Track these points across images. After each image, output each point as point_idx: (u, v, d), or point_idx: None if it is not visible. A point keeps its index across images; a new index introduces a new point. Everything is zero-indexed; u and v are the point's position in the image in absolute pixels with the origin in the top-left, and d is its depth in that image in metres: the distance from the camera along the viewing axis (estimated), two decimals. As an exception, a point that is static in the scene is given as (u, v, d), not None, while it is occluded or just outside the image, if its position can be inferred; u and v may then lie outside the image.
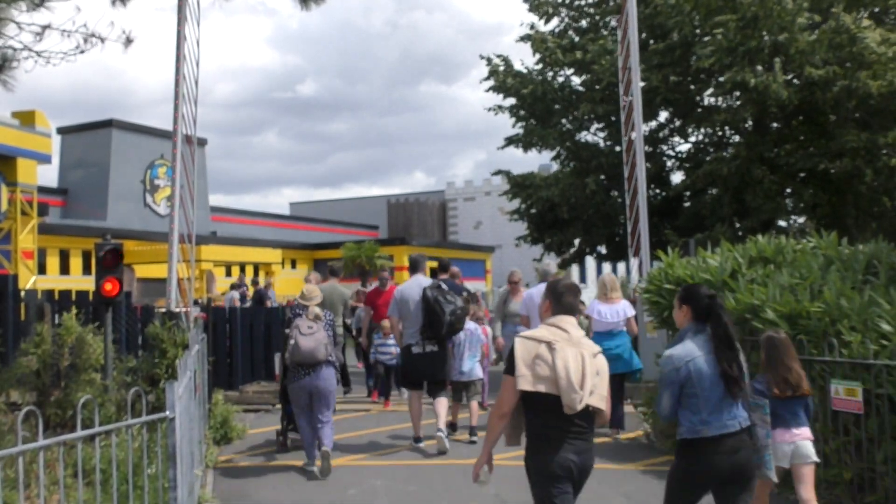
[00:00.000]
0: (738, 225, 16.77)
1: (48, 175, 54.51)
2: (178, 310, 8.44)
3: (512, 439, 4.05)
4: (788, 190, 17.19)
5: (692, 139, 19.58)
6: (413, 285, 8.30)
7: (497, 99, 20.87)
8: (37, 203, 23.16)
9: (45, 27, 7.03)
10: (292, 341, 7.20)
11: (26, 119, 22.63)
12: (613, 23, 17.91)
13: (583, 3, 19.70)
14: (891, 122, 15.11)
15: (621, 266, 27.32)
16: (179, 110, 8.46)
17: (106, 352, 7.87)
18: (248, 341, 11.27)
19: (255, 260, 34.37)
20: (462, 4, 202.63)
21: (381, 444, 8.34)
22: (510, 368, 3.88)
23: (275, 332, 11.29)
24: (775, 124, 17.44)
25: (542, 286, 9.67)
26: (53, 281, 25.69)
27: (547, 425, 3.83)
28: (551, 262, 10.83)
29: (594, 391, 3.85)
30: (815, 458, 5.00)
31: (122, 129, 35.15)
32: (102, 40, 7.25)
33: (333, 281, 11.02)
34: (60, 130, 35.46)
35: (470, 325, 8.67)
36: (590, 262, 25.67)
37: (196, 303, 9.87)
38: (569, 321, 4.01)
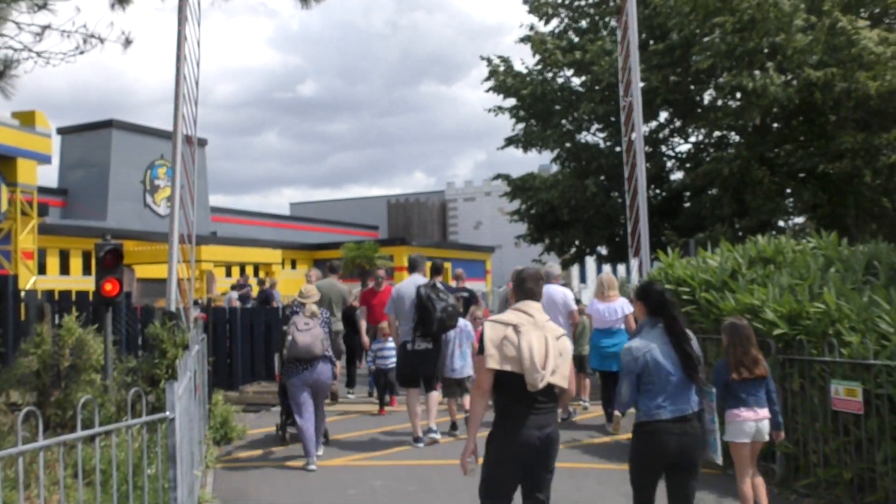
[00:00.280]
0: (737, 225, 16.76)
1: (48, 175, 54.49)
2: (183, 306, 8.42)
3: (477, 419, 4.28)
4: (788, 190, 17.19)
5: (692, 139, 19.58)
6: (409, 284, 8.46)
7: (497, 99, 20.86)
8: (37, 203, 23.18)
9: (44, 28, 7.03)
10: (290, 338, 7.50)
11: (26, 119, 22.65)
12: (613, 23, 17.92)
13: (583, 3, 19.70)
14: (890, 122, 15.11)
15: (621, 267, 27.32)
16: (179, 110, 8.46)
17: (106, 352, 7.87)
18: (248, 341, 11.26)
19: (255, 260, 34.38)
20: (462, 5, 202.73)
21: (381, 444, 8.34)
22: (481, 349, 4.17)
23: (275, 332, 11.27)
24: (776, 125, 17.45)
25: (546, 288, 9.68)
26: (53, 281, 25.70)
27: (512, 402, 4.11)
28: (555, 265, 10.61)
29: (556, 371, 4.11)
30: (767, 438, 5.39)
31: (122, 129, 35.16)
32: (102, 41, 7.25)
33: (332, 278, 10.99)
34: (60, 131, 35.48)
35: (461, 322, 8.69)
36: (590, 262, 25.67)
37: (196, 303, 9.86)
38: (534, 306, 4.28)
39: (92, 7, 7.51)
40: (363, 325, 10.89)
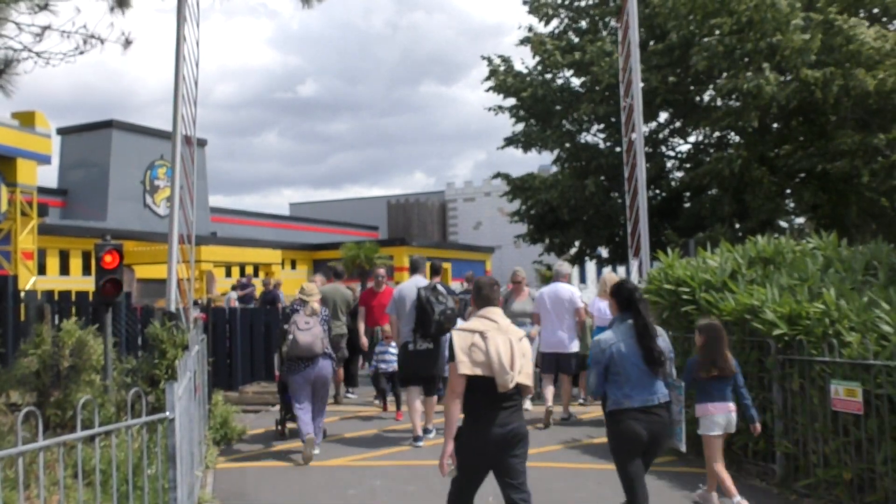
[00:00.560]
0: (737, 225, 16.78)
1: (48, 176, 54.49)
2: (183, 307, 8.42)
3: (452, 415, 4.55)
4: (788, 191, 17.20)
5: (692, 139, 19.59)
6: (411, 285, 8.58)
7: (497, 99, 20.91)
8: (37, 204, 23.18)
9: (44, 28, 7.03)
10: (290, 336, 7.71)
11: (26, 120, 22.65)
12: (613, 23, 17.93)
13: (583, 3, 19.70)
14: (889, 121, 15.12)
15: (622, 268, 27.34)
16: (179, 111, 8.45)
17: (106, 352, 7.87)
18: (247, 342, 11.27)
19: (255, 260, 34.37)
20: (462, 5, 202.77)
21: (381, 444, 8.34)
22: (452, 356, 4.40)
23: (274, 332, 11.27)
24: (775, 125, 17.45)
25: (554, 286, 9.72)
26: (53, 281, 25.71)
27: (482, 402, 4.37)
28: (564, 263, 10.59)
29: (522, 370, 4.40)
30: (734, 429, 5.80)
31: (122, 129, 35.17)
32: (102, 41, 7.25)
33: (337, 283, 11.10)
34: (60, 131, 35.49)
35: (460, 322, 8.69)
36: (590, 263, 25.68)
37: (196, 303, 9.85)
38: (495, 311, 4.56)
39: (92, 7, 7.53)
40: (361, 326, 10.68)
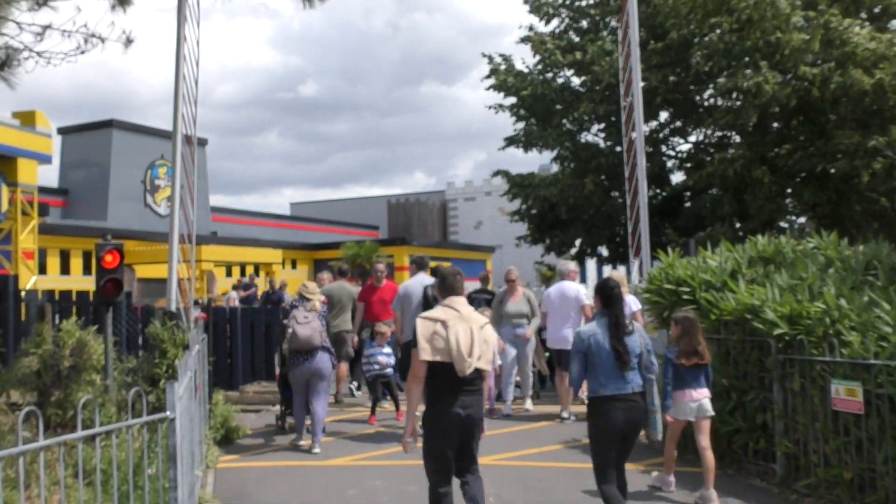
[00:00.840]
0: (738, 225, 16.77)
1: (49, 175, 54.47)
2: (184, 306, 8.42)
3: (415, 400, 4.87)
4: (789, 190, 17.19)
5: (692, 139, 19.59)
6: (416, 284, 8.69)
7: (498, 97, 20.92)
8: (37, 203, 23.15)
9: (45, 27, 7.03)
10: (290, 330, 7.98)
11: (27, 119, 22.63)
12: (614, 23, 17.92)
13: (583, 3, 19.70)
14: (887, 121, 15.11)
15: (622, 267, 27.31)
16: (179, 110, 8.45)
17: (106, 352, 7.87)
18: (248, 341, 11.26)
19: (256, 260, 34.34)
20: (463, 6, 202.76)
21: (381, 444, 8.34)
22: (414, 343, 4.70)
23: (275, 331, 11.27)
24: (775, 124, 17.44)
25: (560, 285, 9.70)
26: (54, 281, 25.69)
27: (443, 386, 4.67)
28: (569, 262, 10.51)
29: (481, 357, 4.68)
30: (712, 413, 6.18)
31: (123, 129, 35.14)
32: (103, 41, 7.24)
33: (342, 281, 11.29)
34: (61, 131, 35.45)
35: None
36: (590, 263, 25.68)
37: (196, 303, 9.85)
38: (459, 301, 4.83)
39: (93, 7, 7.52)
40: (358, 321, 10.57)
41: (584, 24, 19.75)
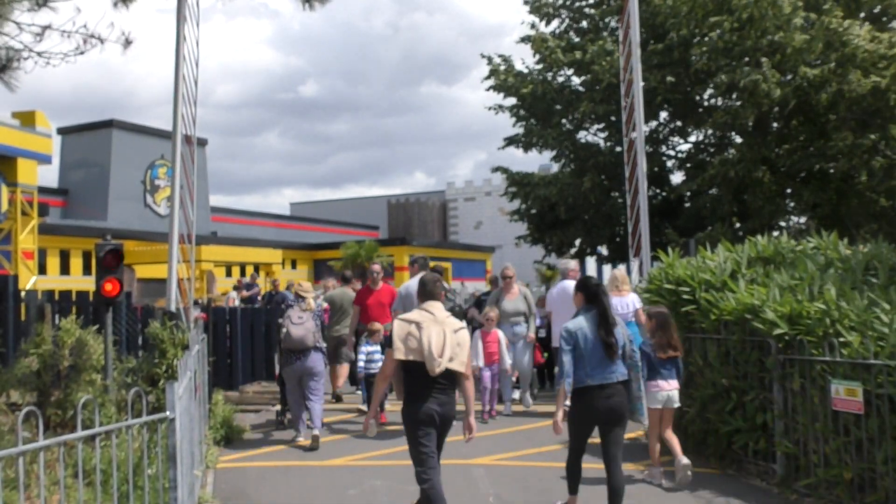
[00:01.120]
0: (738, 225, 16.77)
1: (48, 175, 54.42)
2: (184, 306, 8.42)
3: (399, 393, 5.19)
4: (788, 190, 17.19)
5: (692, 139, 19.58)
6: (417, 283, 8.45)
7: (498, 98, 20.94)
8: (37, 203, 23.15)
9: (45, 28, 7.02)
10: (284, 330, 8.22)
11: (27, 119, 22.63)
12: (614, 23, 17.92)
13: (583, 3, 19.70)
14: (886, 122, 15.11)
15: (622, 266, 27.32)
16: (179, 111, 8.45)
17: (106, 352, 7.87)
18: (248, 341, 11.26)
19: (256, 260, 34.34)
20: (463, 6, 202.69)
21: (381, 444, 8.34)
22: (390, 343, 5.04)
23: (275, 331, 11.26)
24: (775, 125, 17.45)
25: (563, 284, 9.67)
26: (54, 281, 25.68)
27: (417, 384, 4.98)
28: (571, 261, 10.46)
29: (454, 358, 4.96)
30: (678, 404, 6.68)
31: (123, 129, 35.13)
32: (102, 41, 7.24)
33: (345, 287, 11.54)
34: (61, 131, 35.45)
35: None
36: (591, 262, 25.66)
37: (196, 303, 9.84)
38: (435, 305, 5.15)
39: (92, 7, 7.52)
40: (353, 325, 10.29)
41: (585, 24, 19.76)
